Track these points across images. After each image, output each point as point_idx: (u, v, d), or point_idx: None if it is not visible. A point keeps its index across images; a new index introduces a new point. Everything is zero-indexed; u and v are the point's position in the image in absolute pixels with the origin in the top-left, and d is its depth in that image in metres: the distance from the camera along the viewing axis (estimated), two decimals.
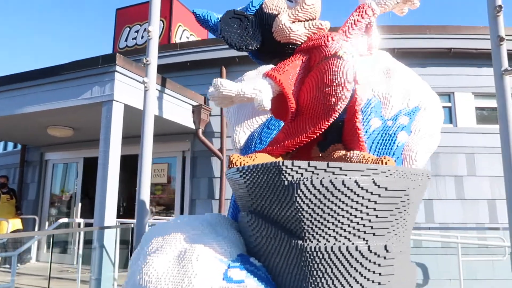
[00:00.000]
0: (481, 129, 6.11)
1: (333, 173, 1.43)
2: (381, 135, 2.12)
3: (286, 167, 1.41)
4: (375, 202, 1.44)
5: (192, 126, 6.19)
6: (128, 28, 8.75)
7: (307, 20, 1.93)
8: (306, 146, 1.85)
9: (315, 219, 1.40)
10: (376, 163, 1.58)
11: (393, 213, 1.50)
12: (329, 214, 1.40)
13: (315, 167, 1.42)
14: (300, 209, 1.39)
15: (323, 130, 1.76)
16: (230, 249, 1.56)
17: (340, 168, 1.44)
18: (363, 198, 1.42)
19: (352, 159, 1.66)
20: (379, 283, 1.43)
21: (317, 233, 1.40)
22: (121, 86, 4.65)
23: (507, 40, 3.53)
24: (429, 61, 6.31)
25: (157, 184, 6.88)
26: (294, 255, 1.42)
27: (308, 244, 1.40)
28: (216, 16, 2.22)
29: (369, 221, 1.44)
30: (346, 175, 1.44)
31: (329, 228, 1.41)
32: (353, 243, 1.41)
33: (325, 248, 1.39)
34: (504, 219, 6.02)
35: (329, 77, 1.74)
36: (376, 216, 1.45)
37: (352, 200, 1.41)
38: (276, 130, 2.26)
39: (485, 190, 6.06)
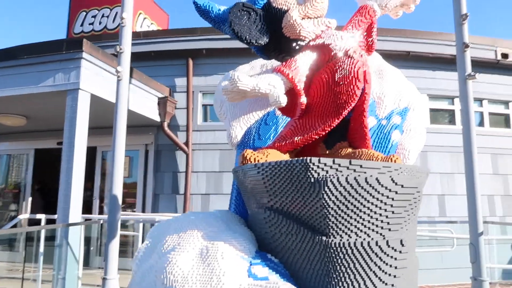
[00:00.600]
0: (434, 129, 6.53)
1: (355, 170, 1.46)
2: (377, 134, 2.19)
3: (313, 164, 1.42)
4: (393, 199, 1.50)
5: (157, 118, 6.01)
6: (85, 13, 8.28)
7: (316, 18, 1.95)
8: (313, 143, 1.87)
9: (339, 215, 1.42)
10: (385, 161, 1.64)
11: (406, 209, 1.56)
12: (352, 210, 1.43)
13: (339, 165, 1.45)
14: (326, 206, 1.41)
15: (332, 128, 1.79)
16: (249, 246, 1.55)
17: (361, 166, 1.47)
18: (382, 195, 1.47)
19: (362, 157, 1.70)
20: (395, 276, 1.49)
21: (340, 229, 1.43)
22: (87, 74, 4.40)
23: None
24: (389, 62, 6.61)
25: None
26: (317, 251, 1.44)
27: (332, 240, 1.42)
28: (218, 7, 2.17)
29: (387, 216, 1.50)
30: (365, 172, 1.47)
31: (351, 224, 1.44)
32: (372, 238, 1.46)
33: (349, 243, 1.42)
34: (452, 213, 6.50)
35: (340, 75, 1.76)
36: (393, 212, 1.51)
37: (373, 196, 1.46)
38: (275, 126, 2.27)
39: (436, 186, 6.49)
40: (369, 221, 1.47)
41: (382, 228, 1.49)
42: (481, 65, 6.67)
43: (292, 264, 1.52)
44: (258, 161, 1.67)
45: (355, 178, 1.43)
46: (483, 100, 7.21)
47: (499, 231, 6.39)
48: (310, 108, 1.85)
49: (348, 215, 1.43)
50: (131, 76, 5.37)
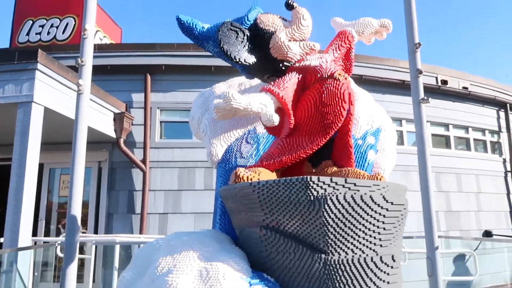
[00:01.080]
0: None
1: (349, 188, 1.51)
2: (354, 153, 2.28)
3: (313, 182, 1.45)
4: (384, 216, 1.56)
5: (112, 134, 5.78)
6: (31, 22, 7.84)
7: (301, 40, 2.01)
8: (298, 161, 1.91)
9: (338, 233, 1.46)
10: (371, 179, 1.71)
11: (395, 225, 1.63)
12: (349, 227, 1.47)
13: (336, 183, 1.49)
14: (326, 224, 1.44)
15: (319, 147, 1.83)
16: (246, 266, 1.53)
17: (355, 184, 1.53)
18: (375, 212, 1.53)
19: (349, 175, 1.76)
20: None
21: (339, 246, 1.46)
22: (42, 87, 4.14)
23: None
24: None
25: (67, 197, 6.20)
26: (317, 268, 1.45)
27: (332, 257, 1.44)
28: (201, 25, 2.17)
29: (379, 233, 1.55)
30: (359, 190, 1.53)
31: (348, 241, 1.48)
32: (367, 255, 1.51)
33: (347, 260, 1.45)
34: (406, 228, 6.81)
35: (327, 97, 1.83)
36: (384, 228, 1.57)
37: (367, 214, 1.51)
38: (256, 144, 2.28)
39: None
40: (363, 238, 1.51)
41: (374, 244, 1.54)
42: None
43: (290, 283, 1.51)
44: (251, 179, 1.67)
45: (351, 196, 1.47)
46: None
47: (443, 245, 6.82)
48: (297, 128, 1.88)
49: (345, 232, 1.47)
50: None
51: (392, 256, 1.56)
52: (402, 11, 4.12)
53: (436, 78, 7.88)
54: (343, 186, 1.50)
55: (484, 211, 8.14)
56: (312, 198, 1.45)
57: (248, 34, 1.98)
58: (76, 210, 3.46)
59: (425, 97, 4.22)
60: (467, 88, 8.46)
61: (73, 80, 4.73)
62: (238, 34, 1.95)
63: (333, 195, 1.45)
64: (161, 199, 5.89)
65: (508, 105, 9.30)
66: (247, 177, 1.68)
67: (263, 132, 2.33)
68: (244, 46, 1.95)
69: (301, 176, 1.49)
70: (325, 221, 1.43)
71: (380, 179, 1.72)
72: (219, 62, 6.39)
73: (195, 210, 5.89)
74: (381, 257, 1.53)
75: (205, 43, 2.18)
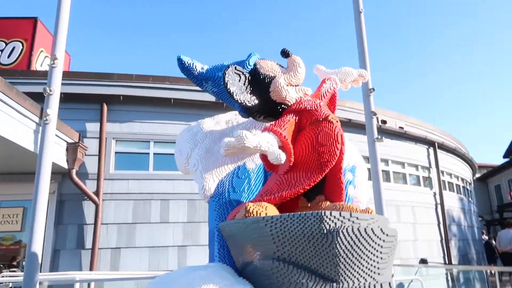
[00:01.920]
0: None
1: (353, 222, 1.68)
2: None
3: (327, 216, 1.59)
4: (381, 246, 1.74)
5: (64, 165, 5.50)
6: None
7: (296, 85, 2.21)
8: (294, 196, 2.06)
9: (347, 263, 1.60)
10: (364, 213, 1.91)
11: (388, 254, 1.82)
12: (356, 258, 1.63)
13: (343, 217, 1.65)
14: (338, 255, 1.58)
15: (316, 183, 2.01)
16: None
17: (357, 218, 1.70)
18: (375, 243, 1.70)
19: (343, 210, 1.94)
20: None
21: (348, 275, 1.60)
22: None
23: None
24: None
25: (6, 233, 5.70)
26: None
27: (342, 286, 1.58)
28: (201, 65, 2.30)
29: (378, 262, 1.72)
30: (360, 224, 1.70)
31: (355, 270, 1.63)
32: (370, 282, 1.66)
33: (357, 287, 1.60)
34: None
35: (323, 137, 2.03)
36: (381, 258, 1.75)
37: (369, 245, 1.68)
38: (247, 179, 2.39)
39: None
40: (366, 267, 1.67)
41: (374, 272, 1.71)
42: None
43: None
44: (259, 214, 1.78)
45: (358, 229, 1.64)
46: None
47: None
48: (295, 165, 2.04)
49: (353, 262, 1.62)
50: (40, 117, 4.92)
51: (389, 283, 1.74)
52: (356, 59, 4.57)
53: (377, 118, 8.60)
54: (349, 219, 1.66)
55: (420, 240, 8.82)
56: (325, 231, 1.59)
57: (249, 78, 2.14)
58: (37, 247, 3.28)
59: (379, 137, 4.64)
60: (403, 128, 9.31)
61: (29, 108, 4.53)
62: (240, 77, 2.10)
63: (343, 228, 1.60)
64: (114, 233, 5.65)
65: (436, 143, 10.35)
66: (257, 212, 1.78)
67: (252, 168, 2.45)
68: (246, 88, 2.10)
69: (315, 211, 1.63)
70: (337, 252, 1.58)
71: (371, 213, 1.91)
72: (179, 95, 6.49)
73: (150, 244, 5.71)
74: (381, 284, 1.69)
75: (204, 83, 2.30)
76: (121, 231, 5.67)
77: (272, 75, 2.16)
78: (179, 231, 5.86)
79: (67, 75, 6.52)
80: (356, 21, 5.01)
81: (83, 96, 6.00)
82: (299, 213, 1.65)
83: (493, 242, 12.57)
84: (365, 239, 1.65)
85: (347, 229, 1.60)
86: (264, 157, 2.10)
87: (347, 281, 1.60)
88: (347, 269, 1.60)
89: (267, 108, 2.18)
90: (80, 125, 5.93)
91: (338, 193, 2.10)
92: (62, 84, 6.25)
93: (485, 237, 15.54)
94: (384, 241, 1.74)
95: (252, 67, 2.19)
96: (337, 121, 2.13)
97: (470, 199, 13.51)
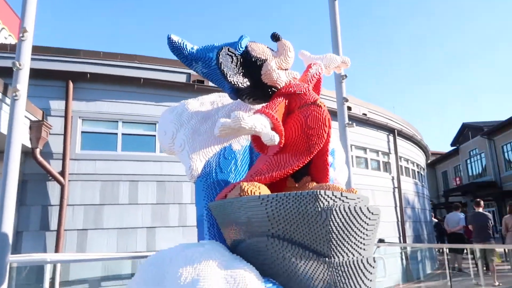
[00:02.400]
0: None
1: (343, 201, 1.78)
2: None
3: (321, 196, 1.68)
4: (367, 224, 1.86)
5: (27, 143, 5.25)
6: None
7: (286, 69, 2.26)
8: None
9: (339, 239, 1.70)
10: (348, 192, 2.02)
11: (372, 232, 1.94)
12: (346, 234, 1.73)
13: (335, 196, 1.74)
14: (331, 231, 1.68)
15: (304, 164, 2.09)
16: (256, 272, 1.68)
17: (346, 197, 1.80)
18: (362, 221, 1.81)
19: (330, 189, 2.04)
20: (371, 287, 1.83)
21: (339, 250, 1.71)
22: None
23: None
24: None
25: None
26: (321, 270, 1.67)
27: (334, 260, 1.68)
28: (191, 46, 2.29)
29: (364, 238, 1.84)
30: (348, 203, 1.81)
31: (345, 246, 1.73)
32: (357, 257, 1.78)
33: (345, 262, 1.71)
34: None
35: (312, 121, 2.10)
36: (367, 235, 1.87)
37: (358, 222, 1.79)
38: (234, 160, 2.43)
39: None
40: (354, 243, 1.78)
41: (361, 248, 1.82)
42: (332, 114, 8.04)
43: (294, 285, 1.70)
44: (254, 193, 1.84)
45: (348, 207, 1.74)
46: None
47: None
48: (284, 147, 2.11)
49: (343, 239, 1.72)
50: (5, 94, 4.65)
51: (373, 258, 1.86)
52: (329, 46, 4.66)
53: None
54: (339, 199, 1.76)
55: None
56: (319, 209, 1.68)
57: (241, 60, 2.16)
58: (7, 228, 3.16)
59: (350, 122, 4.81)
60: (366, 115, 9.65)
61: None
62: (233, 59, 2.12)
63: (336, 207, 1.70)
64: (81, 214, 5.51)
65: (395, 131, 10.82)
66: (251, 191, 1.84)
67: (238, 149, 2.49)
68: (239, 70, 2.12)
69: (311, 191, 1.71)
70: (330, 229, 1.67)
71: (355, 193, 2.03)
72: (149, 75, 6.34)
73: (118, 226, 5.63)
74: (367, 259, 1.81)
75: (193, 63, 2.29)
76: (88, 213, 5.54)
77: (264, 58, 2.19)
78: (148, 213, 5.81)
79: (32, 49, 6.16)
80: (331, 9, 5.09)
81: (47, 72, 5.70)
82: (295, 192, 1.72)
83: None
84: (354, 217, 1.76)
85: (339, 207, 1.70)
86: (255, 138, 2.14)
87: (338, 256, 1.70)
88: (338, 245, 1.71)
89: (258, 90, 2.22)
90: (44, 102, 5.66)
91: (323, 174, 2.20)
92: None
93: (434, 219, 16.62)
94: (369, 219, 1.86)
95: (243, 49, 2.20)
96: (324, 105, 2.21)
97: (423, 183, 14.32)
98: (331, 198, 1.72)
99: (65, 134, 5.59)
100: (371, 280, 1.82)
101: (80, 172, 5.64)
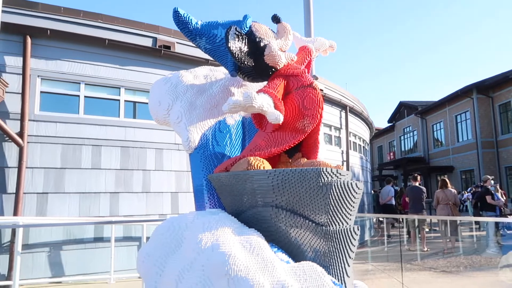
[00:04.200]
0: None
1: (338, 177, 2.01)
2: None
3: (323, 172, 1.89)
4: (354, 197, 2.12)
5: None
6: None
7: (284, 51, 2.40)
8: None
9: (334, 210, 1.94)
10: (336, 169, 2.26)
11: (357, 204, 2.22)
12: (340, 206, 1.98)
13: (333, 172, 1.97)
14: (330, 203, 1.91)
15: (299, 142, 2.29)
16: (263, 238, 1.88)
17: (340, 174, 2.04)
18: (352, 195, 2.07)
19: (320, 166, 2.27)
20: (354, 253, 2.12)
21: (334, 220, 1.95)
22: None
23: None
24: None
25: None
26: (319, 237, 1.91)
27: (330, 228, 1.93)
28: (196, 20, 2.34)
29: (351, 210, 2.10)
30: (341, 178, 2.05)
31: (338, 216, 1.98)
32: (347, 226, 2.04)
33: (339, 230, 1.96)
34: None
35: (309, 102, 2.30)
36: (354, 206, 2.13)
37: (349, 196, 2.04)
38: (228, 134, 2.56)
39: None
40: (345, 214, 2.03)
41: (349, 218, 2.09)
42: None
43: (295, 250, 1.93)
44: (259, 167, 2.01)
45: (343, 182, 1.98)
46: None
47: None
48: (282, 125, 2.29)
49: (338, 210, 1.97)
50: None
51: (358, 227, 2.14)
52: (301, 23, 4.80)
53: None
54: (335, 175, 1.99)
55: None
56: (321, 184, 1.89)
57: (246, 39, 2.26)
58: None
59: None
60: (322, 90, 10.00)
61: None
62: (239, 38, 2.21)
63: (335, 182, 1.92)
64: (41, 178, 5.34)
65: (347, 107, 11.38)
66: (257, 165, 2.01)
67: (232, 124, 2.62)
68: (243, 49, 2.22)
69: (315, 167, 1.91)
70: (329, 201, 1.90)
71: (342, 169, 2.27)
72: (114, 36, 6.10)
73: (81, 190, 5.54)
74: (353, 228, 2.08)
75: (197, 39, 2.35)
76: (48, 176, 5.38)
77: (267, 40, 2.31)
78: (112, 178, 5.76)
79: None
80: None
81: (2, 25, 5.28)
82: (300, 168, 1.92)
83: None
84: (347, 191, 2.00)
85: (337, 182, 1.93)
86: (256, 115, 2.29)
87: (333, 225, 1.95)
88: (334, 215, 1.95)
89: (258, 70, 2.35)
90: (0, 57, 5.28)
91: (314, 151, 2.42)
92: None
93: (372, 191, 17.94)
94: (356, 193, 2.12)
95: (248, 29, 2.30)
96: (318, 88, 2.40)
97: (367, 158, 15.30)
98: (330, 174, 1.94)
99: (23, 93, 5.30)
100: (355, 246, 2.10)
101: (40, 134, 5.42)
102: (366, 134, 14.97)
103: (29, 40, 5.43)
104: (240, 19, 2.35)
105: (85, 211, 5.51)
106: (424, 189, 9.48)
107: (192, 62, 6.39)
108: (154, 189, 6.07)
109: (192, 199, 2.65)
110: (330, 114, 10.59)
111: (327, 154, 10.32)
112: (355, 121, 12.61)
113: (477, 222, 10.07)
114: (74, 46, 5.75)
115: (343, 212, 2.00)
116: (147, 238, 5.15)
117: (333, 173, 1.96)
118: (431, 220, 12.23)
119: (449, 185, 8.86)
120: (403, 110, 31.01)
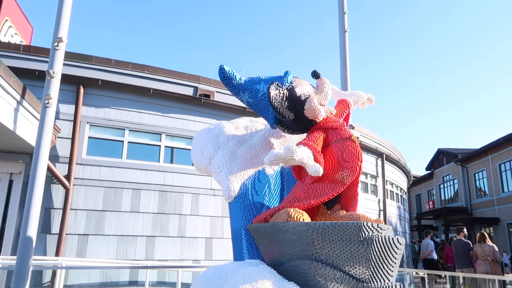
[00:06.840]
0: None
1: (378, 231, 1.99)
2: None
3: (364, 226, 1.89)
4: (396, 253, 2.07)
5: (34, 144, 5.29)
6: None
7: (323, 106, 2.48)
8: None
9: (376, 266, 1.91)
10: (375, 222, 2.23)
11: (398, 261, 2.16)
12: (382, 262, 1.94)
13: (374, 227, 1.95)
14: (371, 259, 1.88)
15: (337, 194, 2.30)
16: None
17: (381, 228, 2.02)
18: (393, 250, 2.03)
19: (360, 219, 2.25)
20: None
21: (375, 277, 1.91)
22: None
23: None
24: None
25: None
26: None
27: (372, 285, 1.88)
28: (239, 76, 2.49)
29: (393, 266, 2.05)
30: (382, 233, 2.02)
31: (380, 272, 1.94)
32: (389, 283, 1.99)
33: (382, 287, 1.91)
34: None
35: (348, 154, 2.32)
36: (395, 262, 2.08)
37: (390, 251, 2.00)
38: (267, 184, 2.62)
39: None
40: (387, 270, 1.99)
41: (390, 275, 2.04)
42: None
43: None
44: (299, 219, 2.03)
45: (384, 237, 1.95)
46: None
47: None
48: (321, 177, 2.31)
49: (380, 266, 1.93)
50: (23, 97, 4.72)
51: (401, 285, 2.08)
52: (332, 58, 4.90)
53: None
54: (376, 229, 1.97)
55: None
56: (362, 238, 1.88)
57: (287, 94, 2.36)
58: (32, 231, 3.26)
59: None
60: (358, 138, 9.98)
61: (13, 85, 4.36)
62: (280, 93, 2.32)
63: (376, 237, 1.90)
64: (83, 219, 5.55)
65: (384, 155, 11.22)
66: (297, 217, 2.03)
67: (271, 173, 2.68)
68: (284, 103, 2.33)
69: (355, 221, 1.91)
70: (370, 257, 1.88)
71: (381, 222, 2.24)
72: (158, 86, 6.48)
73: (119, 233, 5.69)
74: (395, 285, 2.02)
75: (240, 93, 2.49)
76: (90, 218, 5.59)
77: (307, 94, 2.41)
78: (149, 221, 5.89)
79: (41, 51, 6.23)
80: (341, 40, 5.38)
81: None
82: (340, 222, 1.92)
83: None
84: (388, 246, 1.97)
85: (378, 237, 1.91)
86: (295, 166, 2.35)
87: (374, 282, 1.91)
88: (376, 271, 1.91)
89: (298, 123, 2.43)
90: None
91: (353, 203, 2.41)
92: (33, 60, 5.98)
93: (411, 242, 17.09)
94: (398, 248, 2.07)
95: (288, 84, 2.41)
96: (358, 141, 2.44)
97: (405, 207, 14.77)
98: (371, 229, 1.93)
99: (73, 138, 5.66)
100: None
101: (85, 177, 5.70)
102: (403, 183, 14.56)
103: (82, 89, 5.88)
104: (281, 75, 2.47)
105: (122, 254, 5.61)
106: (470, 243, 8.96)
107: (230, 110, 6.64)
108: (189, 233, 6.12)
109: (225, 245, 2.68)
110: (366, 162, 10.46)
111: (364, 203, 10.09)
112: (391, 169, 12.36)
113: None
114: (121, 95, 6.14)
115: (384, 268, 1.96)
116: (182, 284, 5.15)
117: (374, 227, 1.95)
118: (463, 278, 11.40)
119: (487, 239, 8.35)
120: (442, 157, 30.08)
